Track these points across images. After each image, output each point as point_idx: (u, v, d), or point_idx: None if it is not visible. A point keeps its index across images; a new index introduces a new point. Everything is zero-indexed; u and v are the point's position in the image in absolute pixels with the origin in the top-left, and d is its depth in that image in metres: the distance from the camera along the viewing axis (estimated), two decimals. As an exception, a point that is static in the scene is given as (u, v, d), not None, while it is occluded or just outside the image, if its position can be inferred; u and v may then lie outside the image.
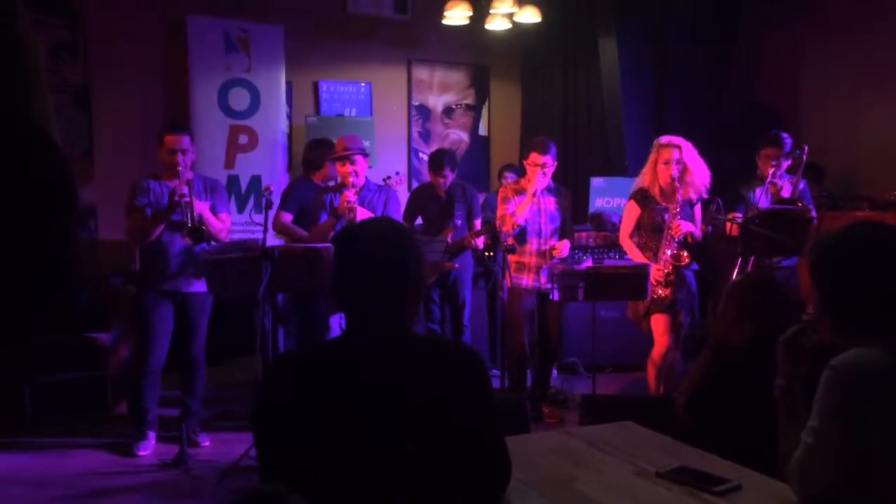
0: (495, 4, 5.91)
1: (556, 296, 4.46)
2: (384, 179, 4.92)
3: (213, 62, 6.15)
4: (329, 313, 4.79)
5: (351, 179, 4.54)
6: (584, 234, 5.83)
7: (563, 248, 4.75)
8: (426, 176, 5.79)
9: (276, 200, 4.81)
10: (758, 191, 4.72)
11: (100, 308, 5.13)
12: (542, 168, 4.65)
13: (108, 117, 6.12)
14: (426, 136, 7.50)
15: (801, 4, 6.37)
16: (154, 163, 4.45)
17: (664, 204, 4.51)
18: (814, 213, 4.68)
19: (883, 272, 1.73)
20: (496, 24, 6.15)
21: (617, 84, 6.30)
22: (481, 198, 5.65)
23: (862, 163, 5.98)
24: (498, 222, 4.74)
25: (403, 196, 5.38)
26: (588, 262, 4.50)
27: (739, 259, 4.50)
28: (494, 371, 5.37)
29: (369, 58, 7.15)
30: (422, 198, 5.32)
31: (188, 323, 4.29)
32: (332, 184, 4.89)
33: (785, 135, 4.76)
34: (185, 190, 4.09)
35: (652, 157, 4.59)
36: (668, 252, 4.45)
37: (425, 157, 6.37)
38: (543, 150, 4.66)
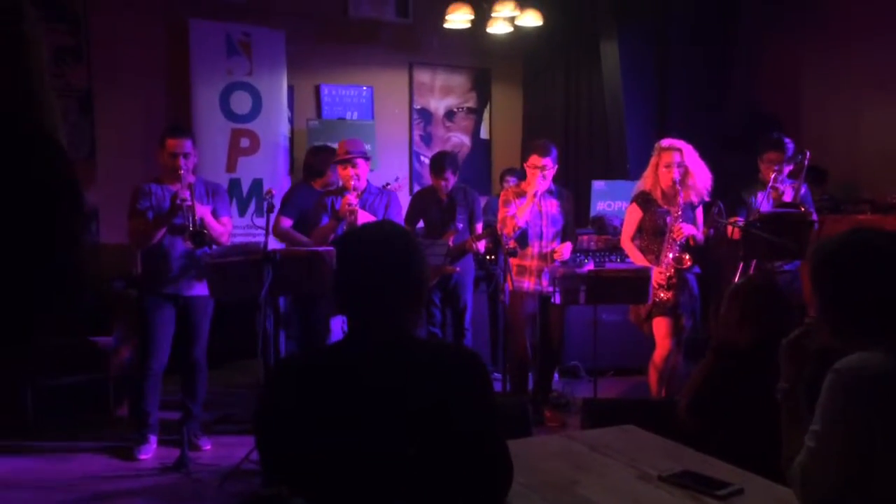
0: (497, 8, 5.92)
1: (557, 299, 4.45)
2: (383, 186, 4.93)
3: (215, 66, 6.16)
4: (330, 316, 4.79)
5: (352, 183, 4.54)
6: (585, 238, 5.83)
7: (565, 250, 4.75)
8: (427, 179, 5.80)
9: (278, 204, 4.81)
10: (759, 195, 4.71)
11: (101, 311, 5.14)
12: (541, 170, 4.65)
13: (111, 121, 6.13)
14: (427, 139, 7.50)
15: (801, 8, 6.37)
16: (156, 166, 4.45)
17: (666, 207, 4.51)
18: (815, 217, 4.67)
19: (884, 276, 1.73)
20: (497, 27, 6.16)
21: (618, 87, 6.31)
22: (483, 201, 5.65)
23: (863, 166, 5.98)
24: (499, 225, 4.74)
25: (404, 200, 5.39)
26: (589, 266, 4.50)
27: (741, 263, 4.50)
28: (496, 374, 5.37)
29: (371, 61, 7.16)
30: (423, 201, 5.32)
31: (189, 326, 4.29)
32: (333, 188, 4.90)
33: (787, 139, 4.76)
34: (187, 194, 4.09)
35: (653, 160, 4.59)
36: (670, 255, 4.45)
37: (427, 161, 6.38)
38: (543, 153, 4.67)
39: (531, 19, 6.01)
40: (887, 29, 5.78)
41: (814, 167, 5.10)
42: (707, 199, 4.60)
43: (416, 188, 6.97)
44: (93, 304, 5.05)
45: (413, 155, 7.45)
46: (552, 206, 4.79)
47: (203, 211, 4.18)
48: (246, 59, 6.26)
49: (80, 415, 4.80)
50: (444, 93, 7.57)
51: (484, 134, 7.75)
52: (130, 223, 4.23)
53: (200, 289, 4.22)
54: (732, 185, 4.91)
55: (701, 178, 4.53)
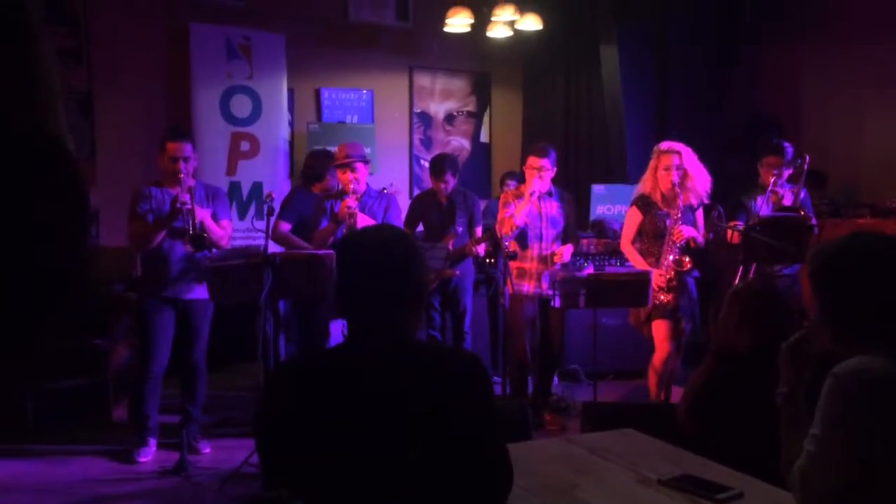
0: (497, 12, 5.93)
1: (557, 303, 4.45)
2: (381, 191, 4.94)
3: (216, 69, 6.17)
4: (329, 320, 4.79)
5: (352, 186, 4.55)
6: (585, 242, 5.83)
7: (565, 252, 4.75)
8: (427, 183, 5.80)
9: (278, 208, 4.81)
10: (759, 199, 4.72)
11: (101, 314, 5.14)
12: (538, 171, 4.66)
13: (111, 123, 6.13)
14: (427, 143, 7.51)
15: (801, 10, 6.38)
16: (156, 169, 4.45)
17: (665, 210, 4.52)
18: (814, 221, 4.67)
19: (884, 280, 1.74)
20: (497, 31, 6.17)
21: (618, 91, 6.32)
22: (483, 205, 5.66)
23: (863, 170, 5.99)
24: (497, 225, 4.75)
25: (404, 203, 5.39)
26: (589, 269, 4.50)
27: (741, 267, 4.50)
28: (496, 378, 5.36)
29: (371, 65, 7.17)
30: (423, 205, 5.33)
31: (189, 329, 4.30)
32: (332, 192, 4.90)
33: (787, 144, 4.77)
34: (187, 197, 4.09)
35: (652, 163, 4.60)
36: (671, 257, 4.46)
37: (427, 165, 6.38)
38: (540, 154, 4.69)
39: (531, 23, 6.02)
40: (888, 32, 5.78)
41: (813, 171, 5.11)
42: (706, 201, 4.61)
43: (416, 192, 6.97)
44: (94, 308, 5.06)
45: (413, 158, 7.45)
46: (552, 208, 4.80)
47: (203, 214, 4.18)
48: (246, 63, 6.27)
49: (79, 418, 4.80)
50: (444, 96, 7.57)
51: (484, 138, 7.75)
52: (130, 226, 4.24)
53: (200, 292, 4.22)
54: (732, 188, 4.92)
55: (700, 180, 4.54)
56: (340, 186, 4.71)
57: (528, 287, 4.77)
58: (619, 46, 6.29)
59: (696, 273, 4.56)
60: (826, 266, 1.81)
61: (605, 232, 6.08)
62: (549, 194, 4.81)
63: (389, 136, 7.22)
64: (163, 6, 6.34)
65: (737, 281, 4.39)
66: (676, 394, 4.54)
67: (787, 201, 4.72)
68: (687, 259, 4.46)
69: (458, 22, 6.08)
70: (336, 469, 1.58)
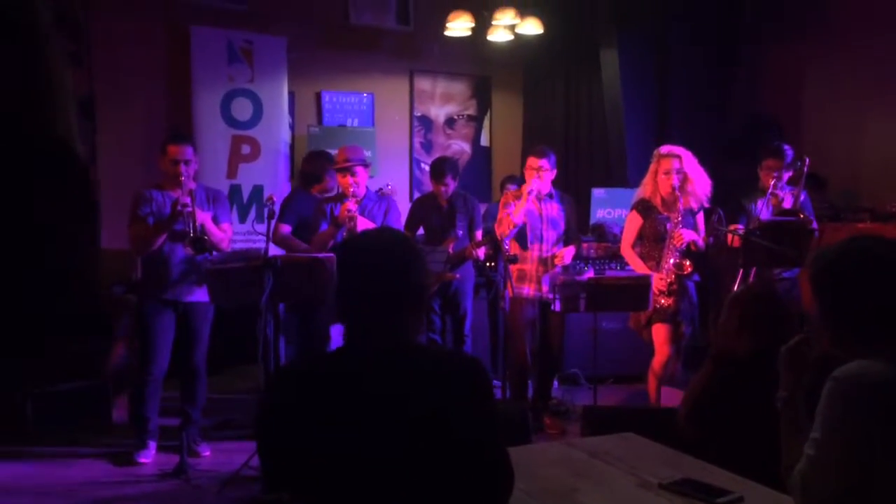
0: (497, 16, 5.93)
1: (557, 306, 4.45)
2: (377, 191, 4.94)
3: (217, 72, 6.18)
4: (330, 324, 4.79)
5: (352, 189, 4.56)
6: (585, 245, 5.84)
7: (566, 254, 4.75)
8: (428, 186, 5.80)
9: (278, 210, 4.82)
10: (759, 202, 4.72)
11: (101, 317, 5.14)
12: (537, 171, 4.67)
13: (112, 126, 6.14)
14: (428, 146, 7.52)
15: (802, 13, 6.38)
16: (157, 172, 4.46)
17: (666, 214, 4.52)
18: (815, 225, 4.68)
19: (883, 284, 1.74)
20: (498, 35, 6.18)
21: (618, 95, 6.32)
22: (483, 208, 5.66)
23: (864, 174, 5.99)
24: (496, 224, 4.76)
25: (403, 204, 5.39)
26: (590, 273, 4.51)
27: (741, 270, 4.50)
28: (496, 381, 5.36)
29: (372, 68, 7.18)
30: (423, 208, 5.33)
31: (190, 332, 4.30)
32: (331, 194, 4.91)
33: (786, 146, 4.78)
34: (188, 200, 4.10)
35: (652, 167, 4.60)
36: (671, 261, 4.46)
37: (427, 168, 6.39)
38: (539, 155, 4.71)
39: (531, 27, 6.03)
40: (889, 38, 5.78)
41: (813, 174, 5.11)
42: (706, 205, 4.61)
43: (417, 195, 6.98)
44: (97, 309, 5.06)
45: (413, 162, 7.46)
46: (553, 210, 4.80)
47: (203, 217, 4.19)
48: (247, 66, 6.28)
49: (79, 420, 4.79)
50: (444, 100, 7.59)
51: (484, 141, 7.76)
52: (131, 229, 4.24)
53: (201, 294, 4.23)
54: (732, 192, 4.92)
55: (700, 184, 4.54)
56: (339, 188, 4.71)
57: (528, 290, 4.77)
58: (619, 51, 6.30)
59: (696, 277, 4.56)
60: (826, 270, 1.82)
61: (606, 236, 6.08)
62: (550, 196, 4.81)
63: (390, 140, 7.23)
64: (164, 9, 6.35)
65: (737, 285, 4.40)
66: (667, 395, 4.56)
67: (787, 204, 4.72)
68: (687, 263, 4.46)
69: (459, 26, 6.09)
70: (337, 472, 1.58)
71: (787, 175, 4.74)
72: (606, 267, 5.75)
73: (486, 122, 7.76)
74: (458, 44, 6.73)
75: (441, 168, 5.16)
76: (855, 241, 1.83)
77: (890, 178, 5.68)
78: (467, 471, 1.60)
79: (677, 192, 4.46)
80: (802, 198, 4.76)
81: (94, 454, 4.37)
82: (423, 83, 7.47)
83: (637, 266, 4.60)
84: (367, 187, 4.75)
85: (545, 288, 4.72)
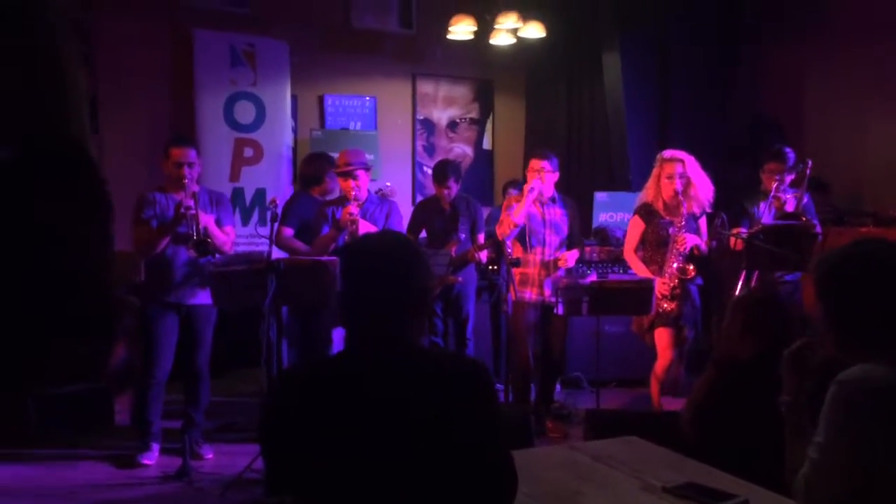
0: (500, 20, 5.95)
1: (560, 310, 4.45)
2: (377, 192, 4.94)
3: (219, 76, 6.19)
4: (332, 327, 4.79)
5: (353, 193, 4.56)
6: (588, 249, 5.83)
7: (570, 258, 4.75)
8: (430, 189, 5.81)
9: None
10: (761, 205, 4.72)
11: (108, 319, 5.13)
12: (539, 173, 4.67)
13: (115, 128, 6.15)
14: (430, 149, 7.53)
15: (803, 16, 6.37)
16: (160, 175, 4.47)
17: (668, 218, 4.52)
18: (818, 229, 4.67)
19: (887, 288, 1.74)
20: (500, 38, 6.19)
21: (620, 99, 6.33)
22: (485, 212, 5.66)
23: (866, 178, 5.98)
24: (497, 226, 4.76)
25: (403, 206, 5.39)
26: (592, 277, 4.51)
27: (743, 274, 4.50)
28: (498, 385, 5.36)
29: (374, 72, 7.19)
30: (426, 211, 5.34)
31: (193, 335, 4.30)
32: (332, 197, 4.91)
33: (788, 149, 4.77)
34: (191, 203, 4.11)
35: (655, 171, 4.60)
36: (675, 265, 4.46)
37: (429, 171, 6.39)
38: (541, 156, 4.72)
39: (534, 31, 6.03)
40: (891, 41, 5.77)
41: (816, 179, 5.11)
42: (709, 209, 4.61)
43: (419, 198, 6.99)
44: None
45: (416, 165, 7.47)
46: (555, 214, 4.80)
47: (207, 220, 4.19)
48: (250, 70, 6.29)
49: (82, 422, 4.79)
50: (446, 103, 7.59)
51: (486, 145, 7.76)
52: (134, 232, 4.25)
53: (204, 297, 4.23)
54: (734, 195, 4.92)
55: (703, 188, 4.54)
56: (340, 190, 4.71)
57: (530, 294, 4.77)
58: (622, 54, 6.30)
59: (699, 280, 4.56)
60: (829, 274, 1.82)
61: (608, 239, 6.08)
62: (553, 200, 4.81)
63: (392, 143, 7.23)
64: (167, 12, 6.36)
65: (739, 288, 4.40)
66: (669, 404, 4.55)
67: (790, 206, 4.71)
68: (691, 267, 4.46)
69: (462, 29, 6.10)
70: (340, 476, 1.58)
71: (789, 178, 4.74)
72: (609, 271, 5.74)
73: (489, 126, 7.76)
74: (461, 47, 6.74)
75: (444, 171, 5.16)
76: (858, 244, 1.83)
77: (893, 182, 5.67)
78: (471, 474, 1.60)
79: (680, 197, 4.46)
80: (805, 200, 4.75)
81: (97, 456, 4.37)
82: (425, 86, 7.48)
83: (640, 270, 4.60)
84: (368, 191, 4.75)
85: (547, 292, 4.72)
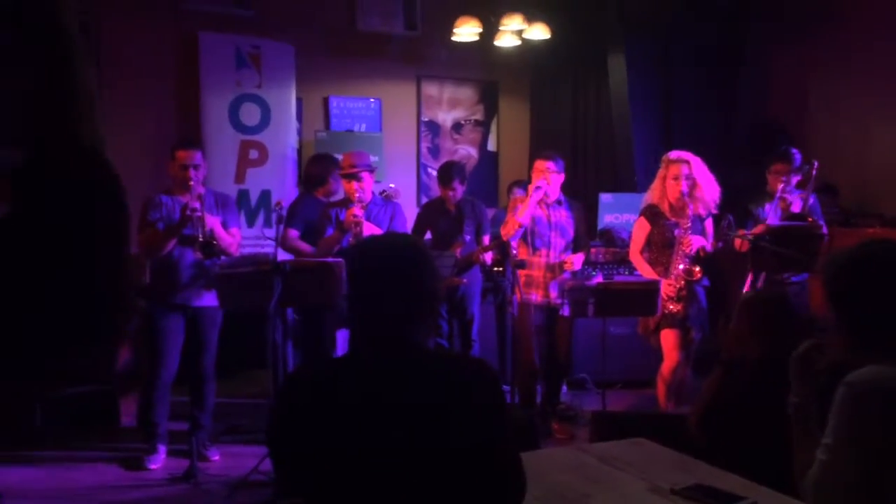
0: (505, 21, 5.95)
1: (566, 311, 4.45)
2: (381, 193, 4.94)
3: (225, 78, 6.20)
4: (337, 329, 4.79)
5: (357, 195, 4.56)
6: (593, 251, 5.83)
7: (576, 260, 4.74)
8: (435, 191, 5.80)
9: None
10: (767, 206, 4.71)
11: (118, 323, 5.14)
12: (543, 174, 4.68)
13: (121, 131, 6.14)
14: (435, 151, 7.53)
15: (809, 19, 6.36)
16: (166, 177, 4.47)
17: (674, 219, 4.52)
18: (825, 230, 4.66)
19: (894, 290, 1.74)
20: (505, 40, 6.19)
21: (626, 100, 6.32)
22: (490, 214, 5.66)
23: (872, 180, 5.96)
24: (502, 227, 4.76)
25: (407, 207, 5.39)
26: (598, 278, 4.50)
27: (750, 275, 4.49)
28: (504, 387, 5.35)
29: (379, 74, 7.19)
30: (431, 213, 5.33)
31: (199, 337, 4.31)
32: (336, 198, 4.92)
33: (794, 150, 4.76)
34: (197, 205, 4.11)
35: (661, 172, 4.60)
36: (681, 266, 4.45)
37: (434, 173, 6.40)
38: (547, 158, 4.74)
39: (539, 32, 6.03)
40: (894, 44, 5.76)
41: (824, 182, 5.10)
42: (715, 211, 4.60)
43: (424, 200, 6.99)
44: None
45: (420, 167, 7.47)
46: (561, 217, 4.80)
47: (213, 222, 4.20)
48: (255, 72, 6.30)
49: (88, 424, 4.80)
50: (451, 105, 7.59)
51: (491, 146, 7.76)
52: (140, 234, 4.26)
53: (209, 299, 4.24)
54: (740, 198, 4.91)
55: (709, 190, 4.53)
56: (343, 191, 4.72)
57: (535, 296, 4.77)
58: (627, 55, 6.30)
59: (706, 282, 4.55)
60: (838, 276, 1.82)
61: (614, 241, 6.07)
62: (559, 203, 4.81)
63: (397, 145, 7.23)
64: (172, 15, 6.38)
65: (746, 290, 4.39)
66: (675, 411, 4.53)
67: (796, 208, 4.70)
68: (697, 269, 4.45)
69: (466, 31, 6.11)
70: (348, 477, 1.58)
71: (795, 179, 4.73)
72: (615, 272, 5.73)
73: (494, 127, 7.76)
74: (466, 49, 6.74)
75: (449, 172, 5.16)
76: (866, 246, 1.83)
77: (899, 183, 5.66)
78: (479, 476, 1.60)
79: (686, 198, 4.45)
80: (811, 201, 4.74)
81: (103, 458, 4.38)
82: (430, 88, 7.48)
83: (645, 272, 4.59)
84: (373, 192, 4.75)
85: (553, 294, 4.71)
